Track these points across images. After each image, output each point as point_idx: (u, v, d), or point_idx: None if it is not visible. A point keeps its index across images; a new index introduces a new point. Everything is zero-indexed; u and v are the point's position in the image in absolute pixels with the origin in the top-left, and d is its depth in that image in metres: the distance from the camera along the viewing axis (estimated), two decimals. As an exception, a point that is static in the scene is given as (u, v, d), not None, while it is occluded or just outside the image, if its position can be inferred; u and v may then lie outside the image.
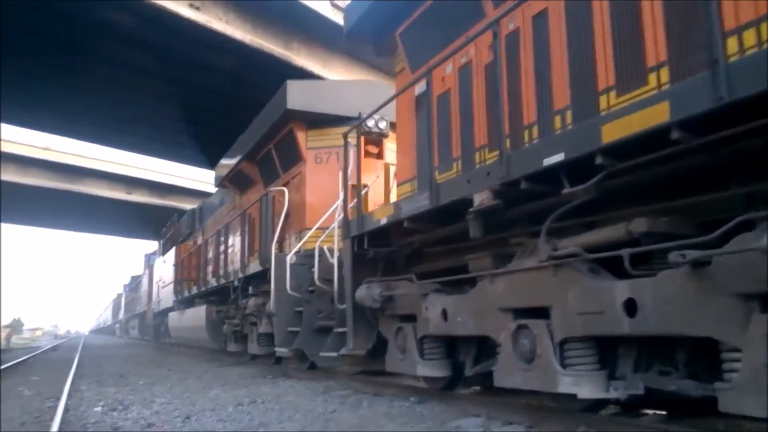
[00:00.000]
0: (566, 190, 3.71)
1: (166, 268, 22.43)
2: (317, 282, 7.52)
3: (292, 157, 9.95)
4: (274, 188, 10.13)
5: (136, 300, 36.68)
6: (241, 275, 11.15)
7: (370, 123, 8.12)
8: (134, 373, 10.53)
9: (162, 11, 17.48)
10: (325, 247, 7.71)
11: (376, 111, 6.89)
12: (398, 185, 6.54)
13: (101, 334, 71.17)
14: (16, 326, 37.97)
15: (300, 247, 8.70)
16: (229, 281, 12.12)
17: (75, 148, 37.34)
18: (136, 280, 39.78)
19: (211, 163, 34.02)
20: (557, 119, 4.34)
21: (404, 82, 6.44)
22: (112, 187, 39.81)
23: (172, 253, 21.30)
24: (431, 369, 5.52)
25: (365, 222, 6.15)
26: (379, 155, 9.15)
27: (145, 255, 33.34)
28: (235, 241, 12.49)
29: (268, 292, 9.38)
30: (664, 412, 4.36)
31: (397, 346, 5.91)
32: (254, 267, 10.32)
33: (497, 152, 4.54)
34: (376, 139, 8.96)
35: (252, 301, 10.54)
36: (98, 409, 6.21)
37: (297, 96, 9.20)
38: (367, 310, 6.24)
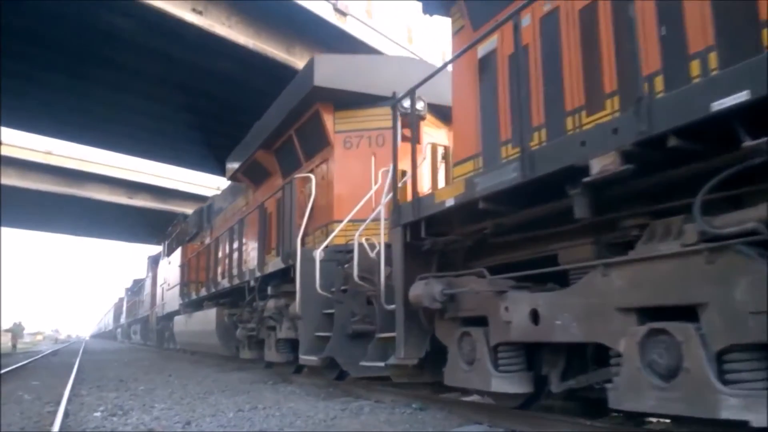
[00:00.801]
0: (750, 143, 2.66)
1: (171, 269, 21.22)
2: (356, 279, 6.45)
3: (317, 142, 8.91)
4: (298, 175, 8.92)
5: (139, 304, 35.56)
6: (258, 274, 9.90)
7: (407, 103, 7.17)
8: (134, 378, 10.46)
9: (165, 16, 17.35)
10: (363, 241, 6.72)
11: (427, 80, 5.61)
12: (456, 165, 5.47)
13: (102, 338, 71.16)
14: (16, 330, 37.89)
15: (329, 242, 7.61)
16: (244, 281, 10.86)
17: (76, 153, 37.25)
18: (138, 284, 38.58)
19: (212, 167, 34.16)
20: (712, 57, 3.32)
21: (463, 44, 5.39)
22: (114, 191, 39.54)
23: (177, 253, 20.22)
24: (510, 384, 4.43)
25: (423, 206, 5.07)
26: (416, 140, 7.95)
27: (149, 257, 32.21)
28: (250, 238, 11.36)
29: (290, 293, 8.48)
30: (668, 420, 4.27)
31: (461, 356, 4.82)
32: (275, 265, 9.10)
33: (600, 114, 3.76)
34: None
35: (271, 303, 9.38)
36: (98, 414, 6.17)
37: (325, 72, 8.11)
38: (420, 311, 5.21)
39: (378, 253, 6.45)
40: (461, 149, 5.54)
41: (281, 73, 20.14)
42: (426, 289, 4.92)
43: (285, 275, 8.82)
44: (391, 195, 5.99)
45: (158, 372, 12.05)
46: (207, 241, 16.17)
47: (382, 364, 5.84)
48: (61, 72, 22.20)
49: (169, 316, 20.28)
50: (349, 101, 8.39)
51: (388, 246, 6.13)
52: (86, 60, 21.09)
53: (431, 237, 5.18)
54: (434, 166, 7.35)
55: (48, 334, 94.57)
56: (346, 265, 6.89)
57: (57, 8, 17.49)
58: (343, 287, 7.01)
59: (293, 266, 7.90)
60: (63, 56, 20.84)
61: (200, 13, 17.93)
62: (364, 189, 7.69)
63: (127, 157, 37.31)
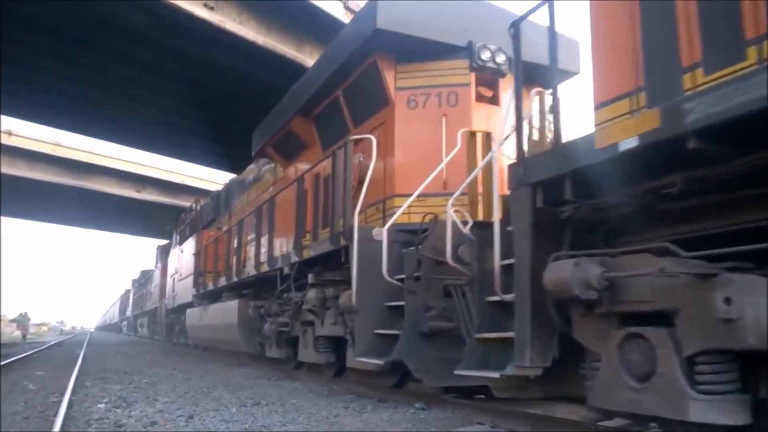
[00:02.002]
0: None
1: (183, 258, 19.45)
2: (450, 261, 4.96)
3: (371, 102, 7.37)
4: (356, 137, 7.10)
5: (146, 296, 33.50)
6: (294, 260, 8.33)
7: (485, 55, 6.12)
8: (138, 371, 10.36)
9: (176, 10, 17.35)
10: (453, 214, 5.13)
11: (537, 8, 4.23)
12: (598, 108, 3.96)
13: (107, 331, 71.58)
14: (22, 321, 38.13)
15: (395, 219, 6.08)
16: (275, 269, 9.26)
17: (85, 145, 37.47)
18: (146, 275, 36.58)
19: (220, 163, 34.24)
20: None
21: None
22: (122, 184, 39.43)
23: (191, 241, 18.49)
24: (721, 412, 2.91)
25: (572, 154, 3.58)
26: (494, 100, 6.76)
27: (158, 247, 30.13)
28: (282, 220, 9.63)
29: (337, 282, 7.38)
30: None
31: (625, 368, 3.33)
32: (319, 247, 7.56)
33: None
34: (490, 79, 6.65)
35: (312, 294, 7.85)
36: (102, 405, 6.13)
37: (391, 14, 6.63)
38: (552, 305, 3.71)
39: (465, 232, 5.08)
40: (608, 87, 4.15)
41: (291, 70, 20.05)
42: (576, 273, 3.39)
43: (329, 261, 7.48)
44: (486, 160, 5.26)
45: (162, 365, 11.91)
46: (226, 226, 14.54)
47: (495, 374, 4.13)
48: (72, 64, 22.13)
49: (181, 309, 18.72)
50: (414, 52, 6.85)
51: (479, 226, 5.04)
52: (95, 52, 21.00)
53: (574, 201, 3.67)
54: (542, 116, 5.81)
55: (53, 325, 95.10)
56: (420, 246, 5.52)
57: (70, 1, 17.56)
58: (415, 274, 5.56)
59: (346, 248, 6.51)
60: (74, 48, 20.75)
61: (212, 8, 17.90)
62: (432, 157, 6.36)
63: (136, 150, 37.47)
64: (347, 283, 6.63)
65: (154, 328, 29.48)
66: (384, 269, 5.75)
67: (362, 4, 21.01)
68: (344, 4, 19.42)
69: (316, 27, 19.56)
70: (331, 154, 7.22)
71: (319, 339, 8.16)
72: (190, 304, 16.66)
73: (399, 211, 6.01)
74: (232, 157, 27.07)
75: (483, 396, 5.95)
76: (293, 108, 9.30)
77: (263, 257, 10.13)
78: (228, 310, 11.86)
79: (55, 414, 5.43)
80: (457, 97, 6.74)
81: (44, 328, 77.02)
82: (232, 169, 23.57)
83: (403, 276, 5.73)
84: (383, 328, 6.08)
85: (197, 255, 16.45)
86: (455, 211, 5.31)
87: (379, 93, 7.18)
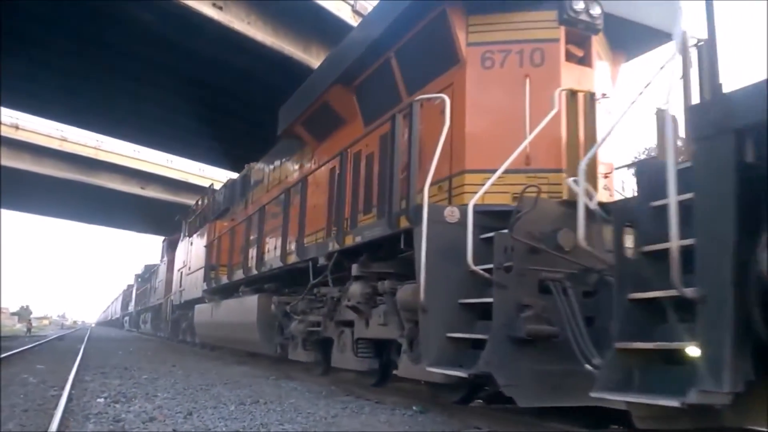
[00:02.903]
0: None
1: (192, 251, 18.14)
2: (583, 245, 3.81)
3: (434, 63, 6.03)
4: (423, 96, 5.68)
5: (150, 291, 32.08)
6: (333, 248, 6.95)
7: (578, 6, 4.89)
8: (138, 367, 10.26)
9: (185, 9, 17.38)
10: (582, 185, 3.96)
11: None
12: None
13: (108, 326, 71.67)
14: (23, 314, 38.27)
15: (480, 197, 4.82)
16: (306, 260, 7.89)
17: (91, 141, 37.61)
18: (150, 270, 35.07)
19: (225, 162, 34.28)
20: None
21: None
22: (127, 181, 39.43)
23: (202, 233, 17.15)
24: None
25: None
26: (585, 61, 5.57)
27: (165, 239, 28.51)
28: (316, 205, 8.34)
29: (386, 275, 6.18)
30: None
31: None
32: (370, 232, 6.18)
33: None
34: (581, 36, 5.44)
35: (357, 288, 6.47)
36: (101, 400, 6.09)
37: None
38: (754, 305, 2.63)
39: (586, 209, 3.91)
40: None
41: (297, 71, 20.10)
42: None
43: (378, 250, 6.32)
44: (614, 125, 4.43)
45: (162, 362, 11.79)
46: (242, 216, 13.10)
47: (674, 402, 2.80)
48: (81, 60, 22.13)
49: (189, 305, 17.40)
50: (489, 1, 5.66)
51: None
52: (104, 49, 20.99)
53: None
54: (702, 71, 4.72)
55: (55, 319, 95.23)
56: (515, 227, 4.35)
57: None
58: (506, 263, 4.39)
59: (406, 233, 5.35)
60: (82, 45, 20.85)
61: (220, 8, 17.92)
62: (511, 126, 5.25)
63: (141, 147, 37.56)
64: (400, 276, 5.78)
65: (158, 325, 28.27)
66: (469, 256, 4.54)
67: (369, 7, 21.13)
68: (352, 6, 19.43)
69: (324, 29, 19.52)
70: (390, 118, 5.86)
71: (360, 342, 6.89)
72: (199, 300, 15.35)
73: (484, 188, 4.77)
74: (236, 156, 27.12)
75: (481, 400, 5.97)
76: (330, 78, 7.97)
77: (291, 247, 8.70)
78: (246, 306, 10.62)
79: (55, 407, 5.43)
80: (543, 55, 5.47)
81: (45, 322, 76.96)
82: (235, 168, 23.50)
83: (487, 266, 4.49)
84: (455, 330, 4.76)
85: (209, 247, 14.93)
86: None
87: (445, 50, 5.80)
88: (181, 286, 19.58)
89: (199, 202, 20.20)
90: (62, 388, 6.92)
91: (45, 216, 59.95)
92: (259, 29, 18.89)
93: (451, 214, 4.90)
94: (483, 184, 4.79)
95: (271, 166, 11.99)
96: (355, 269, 6.59)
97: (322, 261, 7.35)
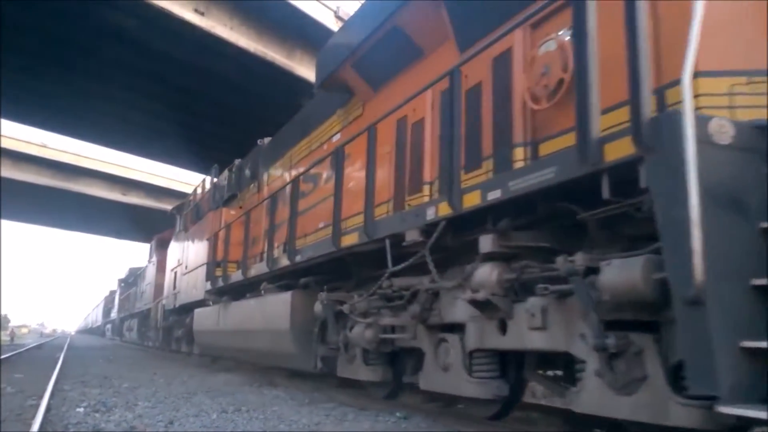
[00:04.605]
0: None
1: (190, 247, 15.56)
2: None
3: None
4: None
5: (136, 296, 29.26)
6: (436, 216, 4.76)
7: None
8: (119, 375, 10.11)
9: (166, 15, 17.37)
10: None
11: None
12: None
13: (89, 334, 70.74)
14: (1, 323, 37.72)
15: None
16: (379, 238, 5.64)
17: (72, 147, 37.32)
18: (135, 273, 32.05)
19: (207, 168, 34.06)
20: None
21: None
22: (108, 187, 39.22)
23: (202, 225, 14.61)
24: None
25: None
26: None
27: (155, 237, 25.39)
28: (386, 168, 6.20)
29: (530, 250, 4.26)
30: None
31: None
32: (514, 183, 3.92)
33: None
34: None
35: (492, 273, 4.33)
36: (81, 409, 5.98)
37: None
38: None
39: None
40: None
41: (280, 77, 20.20)
42: None
43: (519, 214, 4.29)
44: None
45: (142, 370, 11.65)
46: (254, 201, 11.01)
47: None
48: (61, 66, 21.97)
49: (185, 309, 15.05)
50: None
51: None
52: (86, 56, 20.91)
53: None
54: None
55: (33, 327, 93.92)
56: None
57: (60, 4, 17.48)
58: None
59: (597, 175, 3.33)
60: (63, 51, 20.64)
61: (202, 14, 17.90)
62: None
63: (122, 154, 37.34)
64: (551, 253, 3.99)
65: (145, 333, 25.58)
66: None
67: (352, 12, 21.18)
68: (335, 12, 19.52)
69: (307, 34, 19.61)
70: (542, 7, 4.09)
71: (476, 355, 4.81)
72: (199, 303, 13.07)
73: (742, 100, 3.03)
74: (219, 162, 27.01)
75: (462, 406, 5.96)
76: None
77: (351, 224, 6.46)
78: (272, 307, 8.26)
79: (33, 417, 5.35)
80: None
81: (24, 330, 75.93)
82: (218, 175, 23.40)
83: None
84: (752, 333, 2.63)
85: (213, 240, 12.38)
86: None
87: None
88: (175, 288, 16.98)
89: (198, 190, 17.37)
90: (41, 397, 6.81)
91: (23, 223, 59.10)
92: (242, 35, 18.96)
93: (722, 129, 2.89)
94: (731, 94, 3.13)
95: (298, 135, 9.59)
96: (488, 243, 4.35)
97: (412, 237, 5.04)
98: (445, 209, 4.60)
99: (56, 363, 13.26)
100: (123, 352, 21.15)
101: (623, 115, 3.30)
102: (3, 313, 38.83)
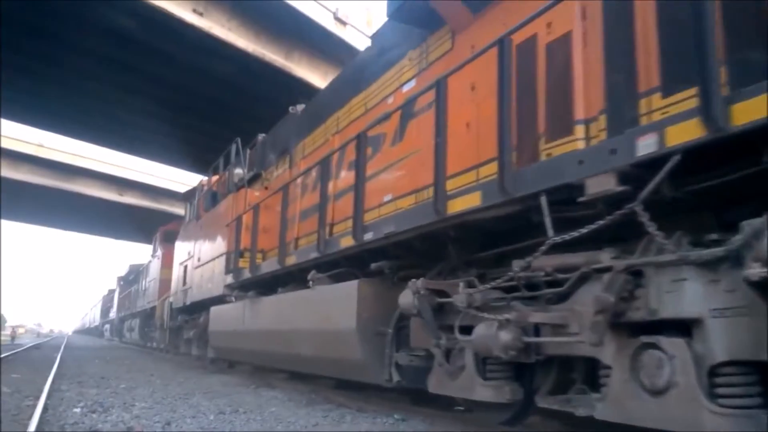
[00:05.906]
0: None
1: (205, 237, 13.48)
2: None
3: None
4: None
5: (138, 294, 26.73)
6: (651, 150, 2.90)
7: None
8: (116, 376, 10.11)
9: (165, 15, 17.36)
10: None
11: None
12: None
13: (86, 335, 70.57)
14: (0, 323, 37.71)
15: None
16: (500, 203, 3.97)
17: (68, 147, 37.20)
18: (137, 269, 29.86)
19: (203, 168, 34.04)
20: None
21: None
22: (105, 187, 39.03)
23: (219, 209, 12.70)
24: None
25: None
26: None
27: (161, 230, 22.93)
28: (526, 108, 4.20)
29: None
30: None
31: None
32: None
33: None
34: None
35: None
36: (78, 410, 5.99)
37: None
38: None
39: None
40: None
41: (279, 78, 20.19)
42: None
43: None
44: None
45: (140, 371, 11.64)
46: (283, 181, 9.20)
47: None
48: (58, 65, 22.00)
49: (198, 307, 13.29)
50: None
51: None
52: (83, 55, 20.88)
53: None
54: None
55: (30, 327, 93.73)
56: None
57: (57, 3, 17.44)
58: None
59: None
60: (60, 50, 20.63)
61: (201, 14, 17.87)
62: None
63: (119, 153, 37.23)
64: None
65: (148, 334, 23.45)
66: None
67: (351, 14, 21.21)
68: (334, 14, 19.53)
69: (306, 36, 19.65)
70: None
71: (723, 371, 2.90)
72: (215, 300, 11.41)
73: None
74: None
75: (461, 408, 5.95)
76: None
77: (454, 187, 4.61)
78: (328, 302, 6.42)
79: (29, 418, 5.34)
80: None
81: (21, 330, 75.77)
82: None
83: None
84: None
85: (236, 225, 10.31)
86: None
87: None
88: (185, 283, 14.86)
89: (212, 173, 15.27)
90: (37, 397, 6.81)
91: (20, 222, 58.97)
92: (240, 35, 18.93)
93: None
94: None
95: (346, 94, 7.79)
96: None
97: (600, 187, 3.23)
98: (684, 133, 2.76)
99: (53, 363, 13.23)
100: (119, 353, 21.11)
101: None
102: (1, 312, 38.64)
